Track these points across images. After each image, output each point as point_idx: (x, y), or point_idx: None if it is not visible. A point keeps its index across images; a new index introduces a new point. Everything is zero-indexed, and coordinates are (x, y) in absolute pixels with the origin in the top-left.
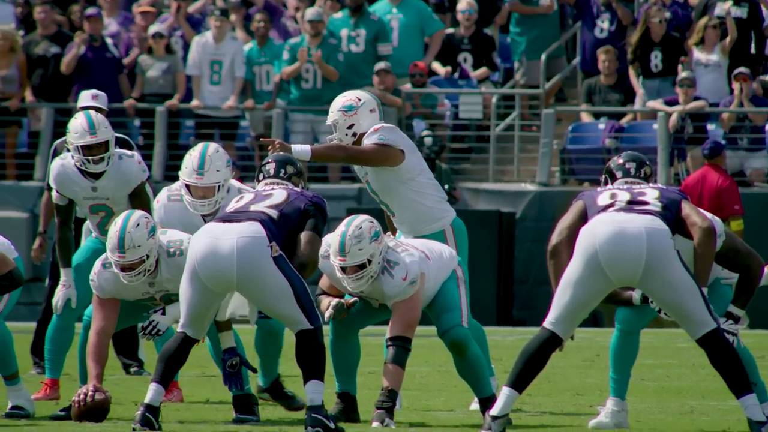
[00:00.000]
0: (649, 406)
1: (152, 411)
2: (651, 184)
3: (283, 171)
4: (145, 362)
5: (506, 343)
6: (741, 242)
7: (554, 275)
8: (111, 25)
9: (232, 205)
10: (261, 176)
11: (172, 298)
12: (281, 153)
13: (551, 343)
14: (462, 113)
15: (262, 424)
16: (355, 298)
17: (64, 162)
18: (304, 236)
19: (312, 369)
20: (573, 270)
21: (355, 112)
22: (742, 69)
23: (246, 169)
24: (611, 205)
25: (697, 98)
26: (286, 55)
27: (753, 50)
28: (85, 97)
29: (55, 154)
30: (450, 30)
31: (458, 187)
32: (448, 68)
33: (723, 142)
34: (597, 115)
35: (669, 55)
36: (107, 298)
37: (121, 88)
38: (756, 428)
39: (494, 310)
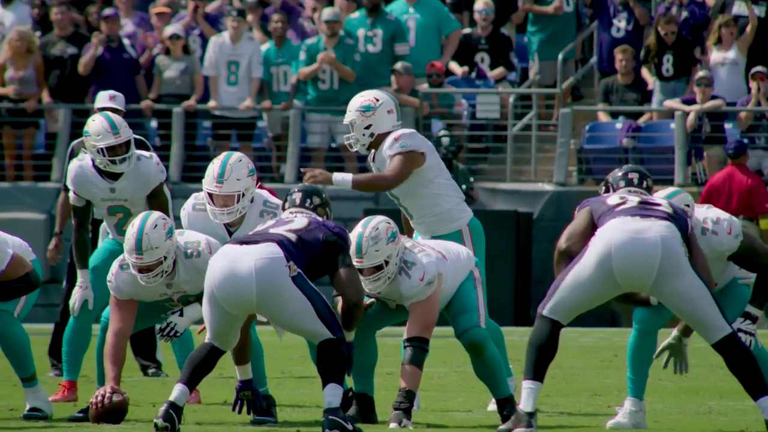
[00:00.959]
0: (667, 407)
1: (176, 409)
2: (659, 197)
3: (309, 201)
4: (163, 364)
5: (524, 344)
6: (759, 242)
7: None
8: (127, 25)
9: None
10: (286, 204)
11: (189, 299)
12: (309, 183)
13: (556, 329)
14: (479, 113)
15: (279, 426)
16: (372, 300)
17: (82, 163)
18: (344, 275)
19: (331, 374)
20: (584, 270)
21: (373, 113)
22: (759, 68)
23: (263, 170)
24: (623, 203)
25: (714, 97)
26: (303, 56)
27: None
28: (103, 98)
29: (72, 155)
30: (467, 30)
31: (475, 187)
32: (465, 68)
33: (746, 141)
34: (614, 115)
35: (681, 59)
36: (125, 300)
37: (138, 88)
38: None
39: (512, 310)
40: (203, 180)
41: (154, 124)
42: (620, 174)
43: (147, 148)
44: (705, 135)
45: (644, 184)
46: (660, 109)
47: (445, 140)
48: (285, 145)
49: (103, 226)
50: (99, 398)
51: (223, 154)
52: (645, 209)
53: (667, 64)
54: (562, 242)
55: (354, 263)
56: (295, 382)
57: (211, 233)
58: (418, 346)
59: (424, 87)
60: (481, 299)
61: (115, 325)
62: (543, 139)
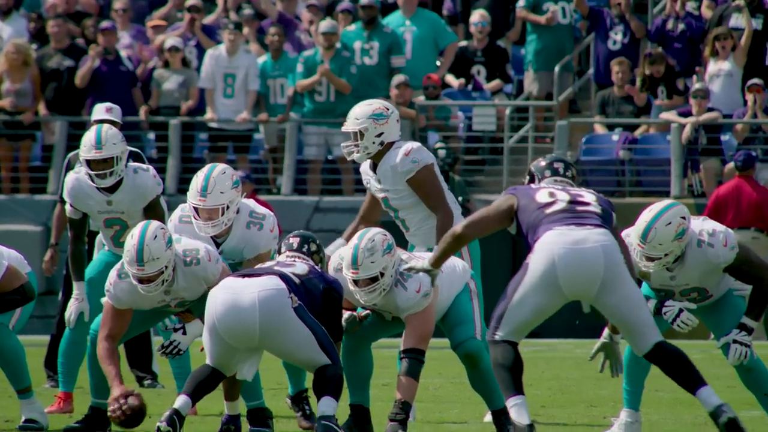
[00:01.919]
0: (663, 417)
1: (179, 417)
2: (585, 188)
3: (306, 247)
4: (159, 375)
5: None
6: (754, 254)
7: (444, 252)
8: (123, 38)
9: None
10: (282, 248)
11: (185, 304)
12: (304, 231)
13: (515, 347)
14: (475, 125)
15: None
16: (368, 311)
17: (79, 176)
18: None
19: (327, 390)
20: (530, 288)
21: (386, 121)
22: (755, 80)
23: (259, 183)
24: (552, 203)
25: (710, 109)
26: (300, 68)
27: (767, 62)
28: (99, 111)
29: (69, 167)
30: (463, 42)
31: (472, 199)
32: (462, 80)
33: (755, 154)
34: (611, 127)
35: (674, 87)
36: (121, 308)
37: (135, 101)
38: (719, 412)
39: None
40: (188, 193)
41: (151, 136)
42: (544, 164)
43: (142, 161)
44: (701, 147)
45: (569, 173)
46: (656, 121)
47: (442, 152)
48: (281, 157)
49: (99, 237)
50: (116, 409)
51: (207, 167)
52: (577, 216)
53: (662, 96)
54: (462, 227)
55: (349, 275)
56: None
57: None
58: (415, 358)
59: (420, 99)
60: (477, 311)
61: (108, 331)
62: (539, 151)
